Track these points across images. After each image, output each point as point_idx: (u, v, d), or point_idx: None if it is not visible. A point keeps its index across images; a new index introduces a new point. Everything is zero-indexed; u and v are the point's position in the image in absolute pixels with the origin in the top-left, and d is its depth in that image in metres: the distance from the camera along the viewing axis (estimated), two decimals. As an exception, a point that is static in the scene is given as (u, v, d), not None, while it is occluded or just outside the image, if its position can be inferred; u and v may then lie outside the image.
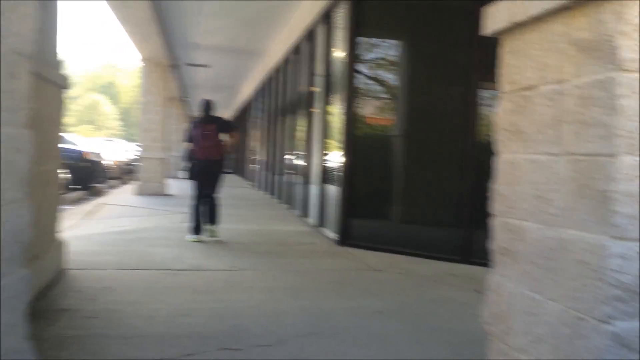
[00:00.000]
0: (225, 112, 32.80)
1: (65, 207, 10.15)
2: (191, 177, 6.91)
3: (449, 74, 6.47)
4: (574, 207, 1.68)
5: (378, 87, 7.48)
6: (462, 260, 5.82)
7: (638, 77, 1.54)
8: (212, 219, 6.82)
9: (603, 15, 1.58)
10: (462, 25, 6.21)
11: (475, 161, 5.75)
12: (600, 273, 1.56)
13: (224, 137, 6.83)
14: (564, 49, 1.75)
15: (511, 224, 2.02)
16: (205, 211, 6.77)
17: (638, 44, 1.54)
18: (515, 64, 2.04)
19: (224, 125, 6.94)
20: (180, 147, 23.77)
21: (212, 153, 6.69)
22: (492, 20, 2.13)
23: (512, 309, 1.97)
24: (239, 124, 25.59)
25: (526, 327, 1.88)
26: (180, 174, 22.75)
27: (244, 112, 23.34)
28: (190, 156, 6.85)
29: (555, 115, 1.79)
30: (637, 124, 1.54)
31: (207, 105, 6.88)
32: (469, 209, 5.81)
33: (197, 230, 6.70)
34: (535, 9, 1.84)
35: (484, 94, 5.83)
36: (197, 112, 9.22)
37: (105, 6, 8.85)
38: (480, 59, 5.67)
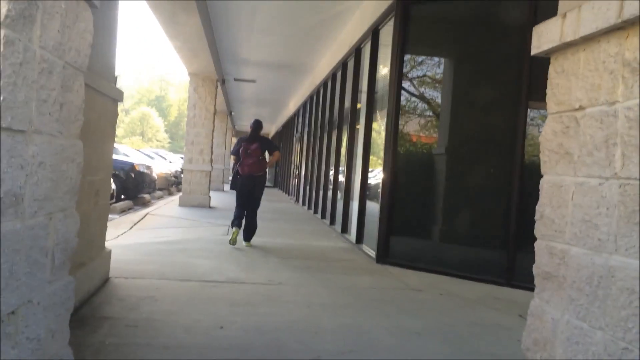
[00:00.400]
0: (271, 126, 33.27)
1: (113, 216, 10.45)
2: (234, 189, 7.63)
3: (496, 92, 6.38)
4: (624, 233, 1.62)
5: (423, 105, 7.43)
6: (506, 283, 5.68)
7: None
8: (247, 235, 7.45)
9: (657, 36, 1.54)
10: (512, 43, 6.14)
11: (521, 182, 5.63)
12: (650, 303, 1.49)
13: (267, 155, 7.57)
14: (616, 69, 1.71)
15: (556, 248, 1.96)
16: (239, 221, 7.42)
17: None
18: (565, 84, 2.00)
19: (266, 144, 7.58)
20: (225, 161, 24.39)
21: (253, 169, 7.33)
22: (542, 40, 2.09)
23: (554, 337, 1.91)
24: (281, 142, 25.89)
25: (569, 356, 1.82)
26: (226, 186, 23.27)
27: (289, 127, 23.56)
28: (235, 170, 7.53)
29: (606, 137, 1.74)
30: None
31: (257, 125, 7.56)
32: (514, 231, 5.68)
33: (246, 235, 7.44)
34: (587, 28, 1.81)
35: (533, 113, 5.73)
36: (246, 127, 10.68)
37: (155, 22, 9.11)
38: (529, 78, 5.58)
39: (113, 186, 12.45)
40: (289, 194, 21.60)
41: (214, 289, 4.83)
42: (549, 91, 2.11)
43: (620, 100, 1.69)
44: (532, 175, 2.32)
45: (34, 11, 1.57)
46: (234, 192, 7.57)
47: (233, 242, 7.26)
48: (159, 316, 3.88)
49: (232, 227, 7.41)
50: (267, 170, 7.62)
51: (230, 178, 7.86)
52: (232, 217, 7.56)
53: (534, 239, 2.12)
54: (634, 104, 1.62)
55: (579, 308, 1.80)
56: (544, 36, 2.08)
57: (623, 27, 1.68)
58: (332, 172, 11.55)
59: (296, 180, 19.07)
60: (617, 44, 1.71)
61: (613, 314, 1.63)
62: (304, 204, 16.07)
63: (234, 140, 40.36)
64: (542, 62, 2.22)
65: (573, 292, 1.84)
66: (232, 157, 7.67)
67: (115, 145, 5.59)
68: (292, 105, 20.74)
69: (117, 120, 5.04)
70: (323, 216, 12.06)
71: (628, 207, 1.61)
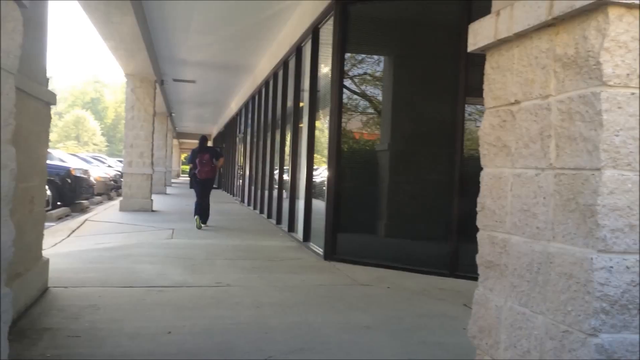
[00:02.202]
0: (213, 127, 32.83)
1: (50, 223, 10.04)
2: (193, 188, 10.61)
3: (435, 89, 6.53)
4: (560, 221, 1.69)
5: (365, 102, 7.52)
6: (450, 274, 5.83)
7: (621, 92, 1.57)
8: (204, 218, 10.06)
9: (587, 31, 1.61)
10: (449, 41, 6.29)
11: (462, 175, 5.79)
12: (586, 286, 1.57)
13: (215, 161, 10.15)
14: (548, 64, 1.78)
15: (497, 238, 2.03)
16: (200, 211, 10.00)
17: (621, 60, 1.57)
18: (500, 80, 2.06)
19: (214, 153, 10.41)
20: (166, 163, 23.91)
21: (207, 174, 10.09)
22: (478, 37, 2.16)
23: (499, 323, 1.98)
24: (224, 143, 25.71)
25: (513, 341, 1.89)
26: (168, 189, 22.85)
27: (231, 127, 23.32)
28: (193, 174, 10.34)
29: (540, 130, 1.81)
30: (621, 138, 1.56)
31: (204, 139, 10.50)
32: (456, 223, 5.83)
33: (202, 219, 9.97)
34: (519, 25, 1.87)
35: (471, 109, 5.90)
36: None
37: (89, 22, 8.80)
38: (466, 75, 5.74)
39: (48, 192, 11.97)
40: (234, 195, 21.38)
41: (160, 294, 4.72)
42: (485, 87, 2.18)
43: (553, 94, 1.76)
44: (472, 168, 2.39)
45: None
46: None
47: (198, 226, 9.76)
48: (103, 325, 3.76)
49: (194, 216, 10.01)
50: (215, 172, 10.37)
51: (189, 180, 11.44)
52: (191, 211, 10.42)
53: (476, 229, 2.19)
54: (566, 97, 1.70)
55: (520, 294, 1.87)
56: (480, 33, 2.14)
57: (553, 23, 1.75)
58: (277, 172, 11.52)
59: (241, 180, 18.91)
60: (549, 40, 1.78)
61: (553, 299, 1.70)
62: (249, 204, 15.96)
63: (175, 142, 39.76)
64: (479, 59, 2.28)
65: (515, 279, 1.90)
66: (190, 165, 10.45)
67: (49, 150, 5.38)
68: (234, 105, 20.54)
69: (51, 124, 4.85)
70: (269, 216, 12.01)
71: (563, 196, 1.68)
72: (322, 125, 7.88)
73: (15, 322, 3.63)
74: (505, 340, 1.93)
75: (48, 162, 4.94)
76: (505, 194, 2.00)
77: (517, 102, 1.95)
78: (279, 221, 10.73)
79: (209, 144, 31.42)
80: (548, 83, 1.78)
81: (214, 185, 11.44)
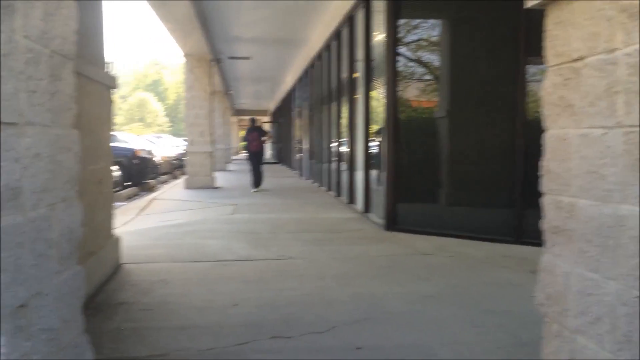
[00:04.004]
0: (269, 102, 33.11)
1: (119, 203, 10.48)
2: (248, 159, 13.27)
3: (494, 50, 6.29)
4: (630, 182, 1.59)
5: (421, 69, 7.35)
6: (515, 241, 5.68)
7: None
8: (257, 183, 12.71)
9: (655, -24, 1.49)
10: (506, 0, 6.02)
11: (524, 138, 5.59)
12: (661, 250, 1.48)
13: (262, 138, 12.97)
14: (614, 16, 1.66)
15: (563, 202, 1.94)
16: (254, 177, 12.69)
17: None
18: (562, 35, 1.95)
19: (260, 132, 13.04)
20: (226, 141, 24.40)
21: (255, 147, 12.82)
22: (535, -9, 2.04)
23: (567, 290, 1.91)
24: (280, 117, 25.98)
25: (583, 308, 1.82)
26: (229, 165, 23.53)
27: (288, 101, 23.43)
28: (246, 149, 13.31)
29: (607, 86, 1.70)
30: (697, 90, 1.44)
31: (252, 121, 13.34)
32: (520, 188, 5.66)
33: (255, 185, 12.66)
34: (581, -25, 1.76)
35: (532, 69, 5.65)
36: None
37: (146, 5, 8.99)
38: (526, 33, 5.49)
39: (117, 174, 12.47)
40: (293, 169, 21.58)
41: (225, 268, 4.86)
42: (546, 44, 2.06)
43: (620, 47, 1.64)
44: (535, 131, 2.29)
45: (14, 0, 1.54)
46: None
47: (259, 190, 12.45)
48: (173, 298, 3.91)
49: (255, 185, 12.67)
50: (263, 146, 13.19)
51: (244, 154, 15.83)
52: (249, 181, 13.02)
53: (540, 195, 2.10)
54: (634, 50, 1.58)
55: (589, 260, 1.79)
56: (538, -13, 2.02)
57: (619, -30, 1.62)
58: (334, 144, 11.50)
59: (299, 154, 19.04)
60: (614, -11, 1.66)
61: (624, 264, 1.62)
62: (309, 177, 16.07)
63: (234, 119, 40.47)
64: (538, 16, 2.16)
65: (583, 245, 1.82)
66: (244, 142, 13.93)
67: (114, 133, 5.57)
68: (290, 79, 20.57)
69: (115, 108, 5.01)
70: (329, 188, 12.06)
71: (633, 155, 1.58)
72: (378, 94, 7.77)
73: (92, 297, 3.83)
74: (575, 307, 1.86)
75: (114, 144, 5.12)
76: (570, 156, 1.90)
77: (581, 58, 1.84)
78: (338, 193, 10.76)
79: (266, 120, 36.61)
80: (614, 36, 1.66)
81: (274, 160, 16.51)
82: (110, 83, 4.68)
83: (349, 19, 9.25)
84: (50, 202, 1.80)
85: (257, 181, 12.62)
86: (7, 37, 1.49)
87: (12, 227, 1.53)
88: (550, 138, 2.04)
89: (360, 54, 8.73)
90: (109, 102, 4.77)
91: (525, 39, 5.51)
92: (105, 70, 4.71)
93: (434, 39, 7.18)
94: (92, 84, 4.11)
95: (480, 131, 6.44)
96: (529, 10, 2.15)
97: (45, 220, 1.75)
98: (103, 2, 4.69)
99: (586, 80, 1.81)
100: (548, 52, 2.05)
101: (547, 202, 2.06)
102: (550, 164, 2.03)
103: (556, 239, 1.99)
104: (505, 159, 5.99)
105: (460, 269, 4.81)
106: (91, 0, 4.30)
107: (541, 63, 2.15)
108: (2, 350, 1.48)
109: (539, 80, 5.66)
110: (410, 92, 7.21)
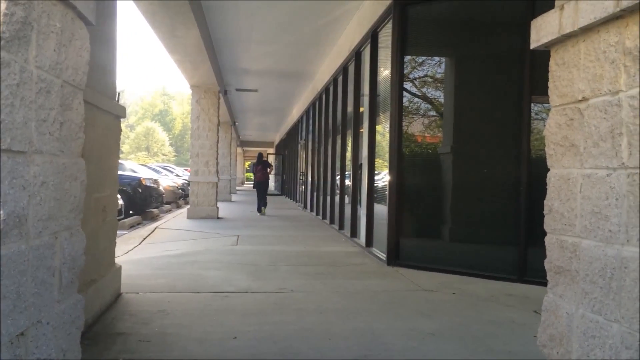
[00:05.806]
0: (275, 135, 33.35)
1: (123, 232, 10.47)
2: (254, 187, 16.24)
3: (499, 88, 6.35)
4: (634, 224, 1.59)
5: (426, 105, 7.41)
6: (518, 279, 5.64)
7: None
8: (261, 207, 15.31)
9: (657, 22, 1.52)
10: (511, 40, 6.12)
11: (528, 176, 5.60)
12: (666, 293, 1.47)
13: (266, 170, 15.97)
14: (617, 58, 1.69)
15: (567, 242, 1.94)
16: (260, 203, 15.35)
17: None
18: (566, 76, 1.98)
19: (265, 165, 16.10)
20: (230, 171, 24.60)
21: (260, 178, 15.78)
22: (541, 33, 2.08)
23: (570, 331, 1.89)
24: (286, 150, 26.20)
25: (586, 350, 1.79)
26: (233, 196, 23.74)
27: (293, 134, 23.58)
28: (254, 179, 16.05)
29: (611, 127, 1.72)
30: (700, 134, 1.45)
31: (260, 156, 16.39)
32: (524, 226, 5.64)
33: (259, 210, 15.29)
34: (585, 19, 1.79)
35: (537, 108, 5.70)
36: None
37: (154, 37, 9.14)
38: (530, 73, 5.56)
39: (120, 202, 12.49)
40: (296, 201, 21.58)
41: (225, 300, 4.82)
42: (550, 84, 2.09)
43: (624, 89, 1.66)
44: (539, 169, 2.29)
45: (29, 32, 1.57)
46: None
47: (263, 214, 15.14)
48: (172, 330, 3.87)
49: (259, 210, 15.37)
50: (268, 177, 16.14)
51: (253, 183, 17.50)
52: (255, 217, 14.48)
53: (545, 233, 2.10)
54: (638, 92, 1.60)
55: (593, 301, 1.77)
56: (543, 29, 2.06)
57: (622, 15, 1.66)
58: (338, 177, 11.53)
59: (303, 187, 19.06)
60: (617, 33, 1.69)
61: (628, 306, 1.60)
62: (312, 210, 16.05)
63: (239, 150, 40.84)
64: (543, 56, 2.20)
65: (586, 285, 1.81)
66: (252, 174, 16.99)
67: (121, 161, 5.60)
68: (296, 112, 20.76)
69: (122, 136, 5.05)
70: (332, 221, 12.04)
71: (636, 197, 1.59)
72: (383, 129, 7.82)
73: (91, 326, 3.80)
74: (578, 349, 1.84)
75: (120, 172, 5.15)
76: (574, 196, 1.90)
77: (584, 99, 1.86)
78: (341, 227, 10.73)
79: (270, 152, 38.52)
80: (618, 78, 1.69)
81: (272, 191, 18.78)
82: (119, 113, 4.73)
83: (356, 54, 9.39)
84: (55, 230, 1.80)
85: (260, 206, 15.40)
86: (20, 67, 1.52)
87: (15, 255, 1.53)
88: (554, 177, 2.04)
89: (366, 88, 8.82)
90: (117, 132, 4.82)
91: (530, 77, 5.57)
92: (115, 100, 4.78)
93: (439, 75, 7.26)
94: (101, 114, 4.15)
95: (484, 167, 6.45)
96: (534, 50, 2.19)
97: (48, 248, 1.75)
98: (117, 33, 4.79)
99: (590, 121, 1.83)
100: (552, 92, 2.07)
101: (550, 241, 2.05)
102: (554, 204, 2.03)
103: (559, 279, 1.98)
104: (509, 196, 5.99)
105: (463, 306, 4.76)
106: (105, 30, 4.38)
107: (546, 102, 2.18)
108: (-1, 379, 1.47)
109: (544, 119, 5.71)
110: (415, 127, 7.25)
